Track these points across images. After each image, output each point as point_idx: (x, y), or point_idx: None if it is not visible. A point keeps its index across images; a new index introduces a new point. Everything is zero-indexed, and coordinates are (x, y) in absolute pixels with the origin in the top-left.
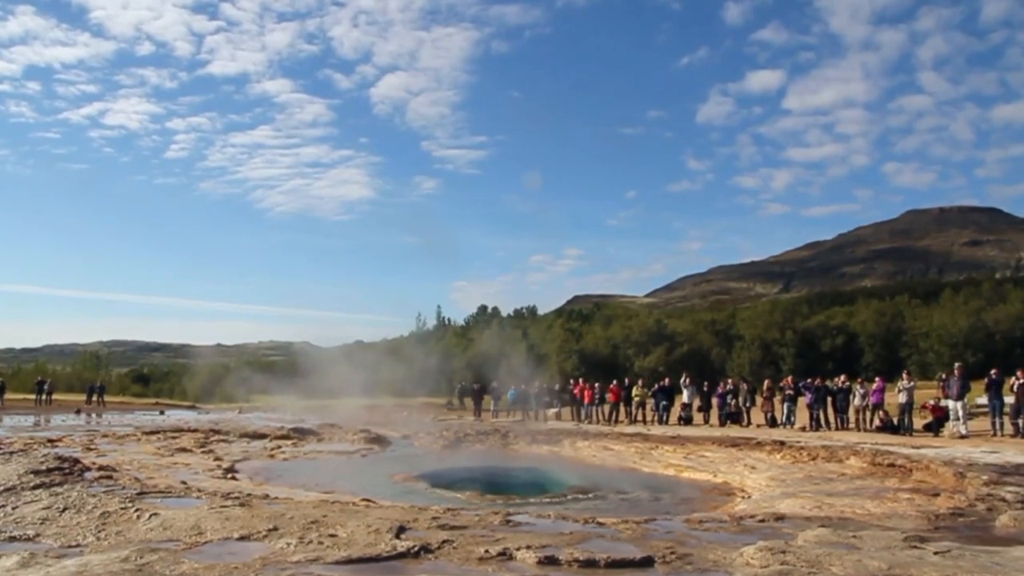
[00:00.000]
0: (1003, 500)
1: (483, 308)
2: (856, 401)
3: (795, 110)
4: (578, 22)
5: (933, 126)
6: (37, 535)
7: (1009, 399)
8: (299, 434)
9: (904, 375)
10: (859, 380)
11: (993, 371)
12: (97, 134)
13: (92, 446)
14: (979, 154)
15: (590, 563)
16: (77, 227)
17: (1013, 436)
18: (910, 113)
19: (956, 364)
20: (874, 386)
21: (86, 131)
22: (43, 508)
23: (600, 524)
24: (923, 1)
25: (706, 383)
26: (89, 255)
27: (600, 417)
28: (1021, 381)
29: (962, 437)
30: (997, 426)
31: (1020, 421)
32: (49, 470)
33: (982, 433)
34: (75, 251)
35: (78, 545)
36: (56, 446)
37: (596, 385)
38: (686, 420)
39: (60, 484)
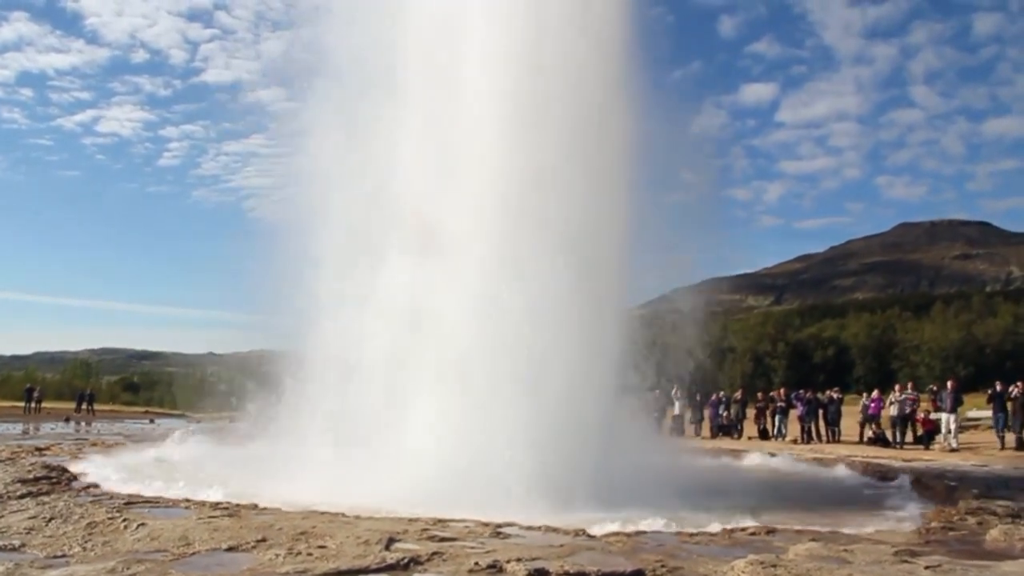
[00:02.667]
0: (993, 514)
1: None
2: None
3: (788, 123)
4: None
5: (924, 140)
6: (23, 545)
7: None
8: None
9: (896, 388)
10: (861, 392)
11: (997, 384)
12: (90, 141)
13: (80, 455)
14: (970, 168)
15: None
16: (69, 234)
17: (1015, 448)
18: (902, 126)
19: (949, 380)
20: (872, 396)
21: (79, 138)
22: (29, 518)
23: (590, 536)
24: (915, 15)
25: (698, 394)
26: (80, 262)
27: None
28: (1018, 392)
29: (952, 450)
30: (1002, 439)
31: (1016, 432)
32: (36, 479)
33: (972, 446)
34: (66, 258)
35: (64, 555)
36: (44, 455)
37: None
38: (677, 432)
39: (47, 493)
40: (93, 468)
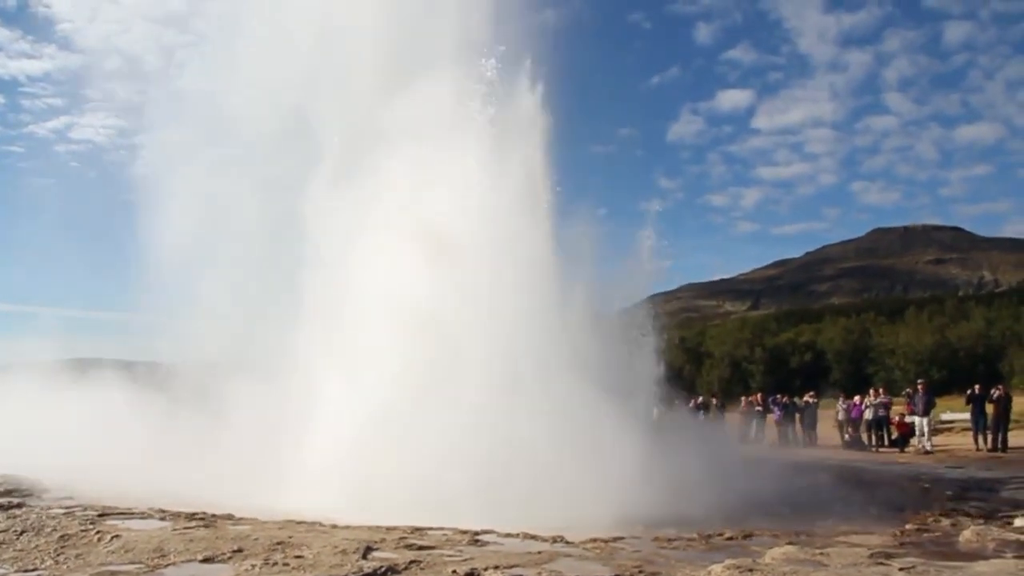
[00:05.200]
0: (967, 515)
1: None
2: (840, 416)
3: (764, 129)
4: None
5: (898, 146)
6: None
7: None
8: None
9: (871, 392)
10: (838, 396)
11: (977, 386)
12: (64, 148)
13: None
14: (943, 174)
15: None
16: (42, 242)
17: (990, 450)
18: (876, 133)
19: (919, 381)
20: (853, 401)
21: (52, 145)
22: None
23: (568, 543)
24: (888, 23)
25: (676, 401)
26: (55, 271)
27: None
28: (1000, 394)
29: (927, 453)
30: (980, 441)
31: (995, 435)
32: (8, 491)
33: (946, 448)
34: (39, 267)
35: (35, 569)
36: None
37: None
38: None
39: (18, 506)
40: None
